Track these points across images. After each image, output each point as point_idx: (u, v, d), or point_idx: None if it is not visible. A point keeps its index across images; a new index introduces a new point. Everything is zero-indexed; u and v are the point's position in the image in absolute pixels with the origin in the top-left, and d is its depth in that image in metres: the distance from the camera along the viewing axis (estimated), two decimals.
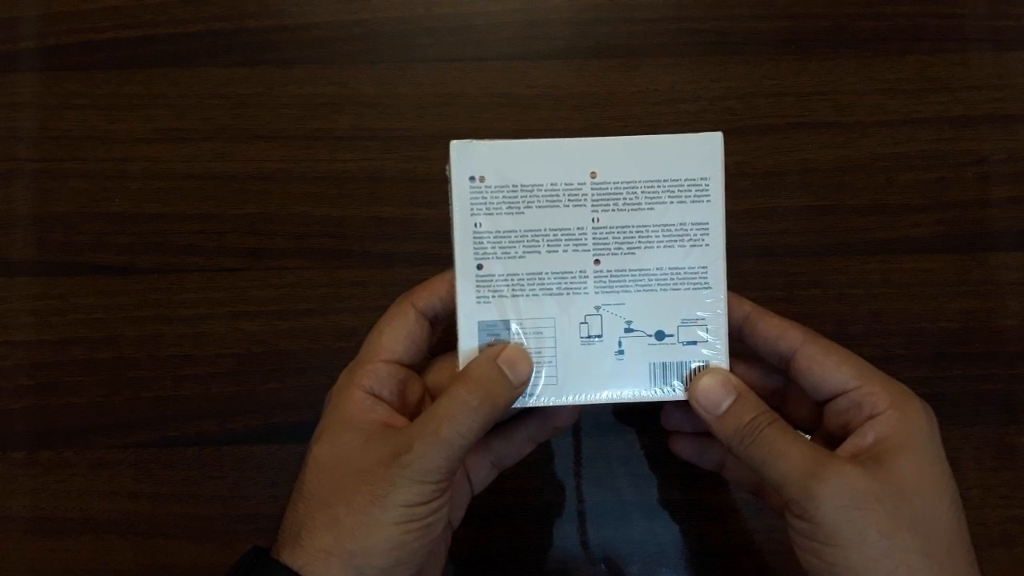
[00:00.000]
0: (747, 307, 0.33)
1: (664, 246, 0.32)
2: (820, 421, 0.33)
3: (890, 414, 0.30)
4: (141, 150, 0.44)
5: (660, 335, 0.32)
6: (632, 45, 0.45)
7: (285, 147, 0.44)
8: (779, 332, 0.32)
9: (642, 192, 0.32)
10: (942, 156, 0.44)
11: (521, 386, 0.32)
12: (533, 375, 0.32)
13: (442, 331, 0.34)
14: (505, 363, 0.31)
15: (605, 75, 0.44)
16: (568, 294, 0.32)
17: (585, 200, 0.32)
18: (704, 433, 0.36)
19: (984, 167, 0.44)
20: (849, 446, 0.30)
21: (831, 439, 0.31)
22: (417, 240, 0.43)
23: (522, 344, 0.32)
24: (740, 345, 0.33)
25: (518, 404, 0.32)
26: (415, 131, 0.44)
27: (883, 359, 0.42)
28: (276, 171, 0.44)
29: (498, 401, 0.31)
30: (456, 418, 0.30)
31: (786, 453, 0.29)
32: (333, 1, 0.45)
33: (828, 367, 0.31)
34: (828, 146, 0.44)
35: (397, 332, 0.33)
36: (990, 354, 0.43)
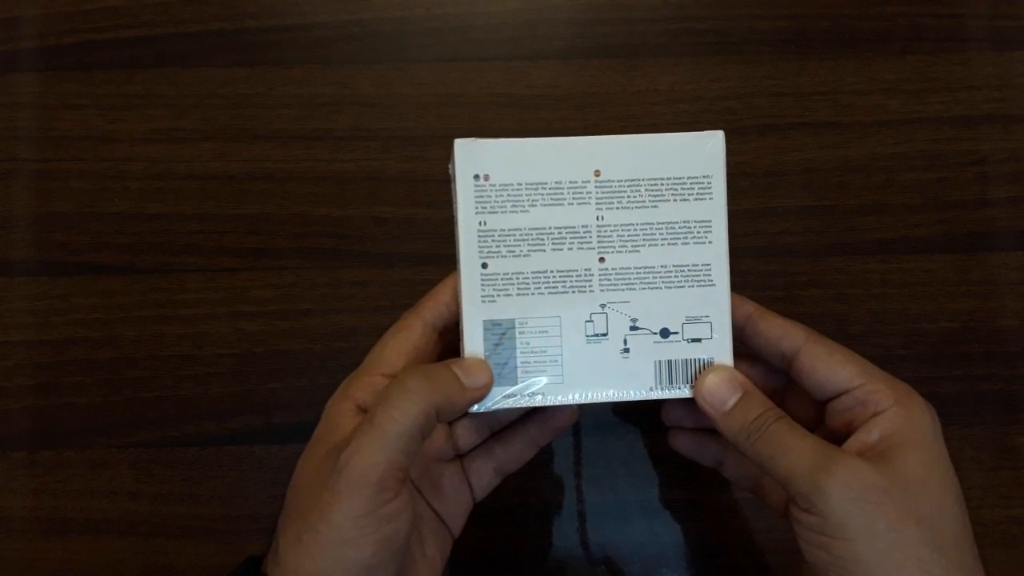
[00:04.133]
0: (749, 307, 0.33)
1: (668, 243, 0.32)
2: (821, 420, 0.33)
3: (895, 411, 0.30)
4: (141, 150, 0.44)
5: (665, 333, 0.32)
6: (632, 45, 0.45)
7: (285, 147, 0.44)
8: (782, 332, 0.32)
9: (646, 190, 0.32)
10: (942, 156, 0.44)
11: (474, 390, 0.31)
12: (545, 376, 0.32)
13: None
14: (458, 367, 0.31)
15: (605, 75, 0.44)
16: (573, 292, 0.32)
17: (589, 198, 0.32)
18: (704, 429, 0.37)
19: (984, 167, 0.44)
20: (854, 442, 0.30)
21: (833, 438, 0.31)
22: (417, 240, 0.43)
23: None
24: (742, 345, 0.33)
25: (524, 404, 0.32)
26: (415, 131, 0.44)
27: (883, 359, 0.42)
28: (276, 171, 0.44)
29: (438, 389, 0.29)
30: (389, 401, 0.28)
31: (794, 448, 0.29)
32: (333, 1, 0.45)
33: (832, 366, 0.31)
34: (828, 146, 0.44)
35: (401, 345, 0.32)
36: (990, 354, 0.43)
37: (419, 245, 0.43)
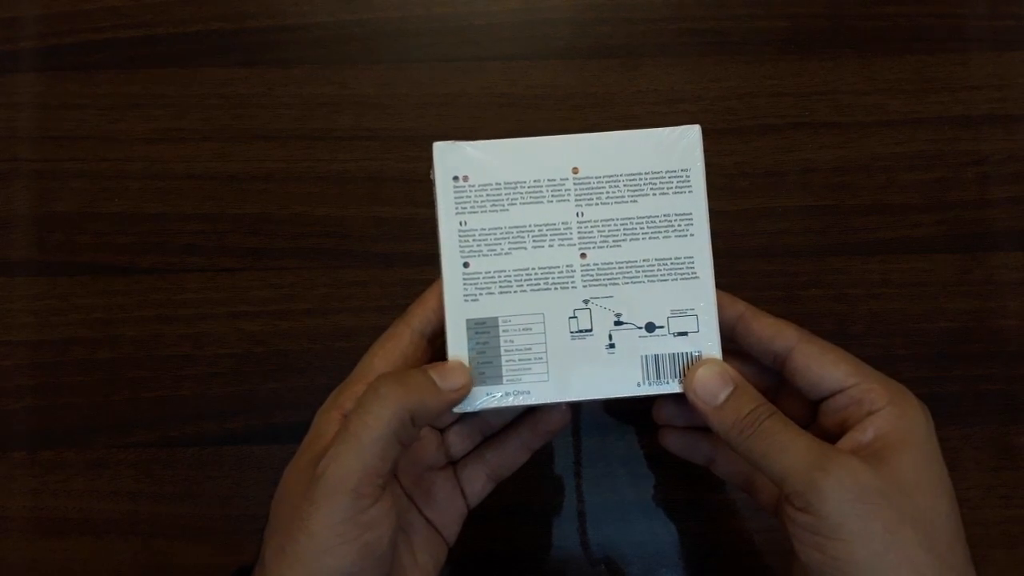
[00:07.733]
0: (740, 306, 0.33)
1: (649, 238, 0.32)
2: (813, 420, 0.33)
3: (890, 410, 0.30)
4: (141, 150, 0.44)
5: (650, 327, 0.32)
6: (632, 45, 0.45)
7: (285, 147, 0.44)
8: (774, 331, 0.32)
9: (624, 185, 0.32)
10: (942, 156, 0.44)
11: (450, 392, 0.30)
12: (530, 374, 0.32)
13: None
14: (435, 371, 0.30)
15: (605, 75, 0.44)
16: (556, 289, 0.32)
17: (568, 195, 0.32)
18: (695, 427, 0.36)
19: (984, 167, 0.44)
20: (848, 442, 0.30)
21: (826, 437, 0.31)
22: (417, 240, 0.43)
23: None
24: (734, 345, 0.33)
25: (510, 403, 0.32)
26: (415, 131, 0.44)
27: (883, 359, 0.42)
28: (276, 171, 0.44)
29: (411, 394, 0.29)
30: (363, 408, 0.28)
31: (789, 446, 0.29)
32: (333, 1, 0.45)
33: (825, 365, 0.31)
34: (828, 146, 0.44)
35: (390, 354, 0.32)
36: (990, 354, 0.43)
37: (419, 245, 0.43)
